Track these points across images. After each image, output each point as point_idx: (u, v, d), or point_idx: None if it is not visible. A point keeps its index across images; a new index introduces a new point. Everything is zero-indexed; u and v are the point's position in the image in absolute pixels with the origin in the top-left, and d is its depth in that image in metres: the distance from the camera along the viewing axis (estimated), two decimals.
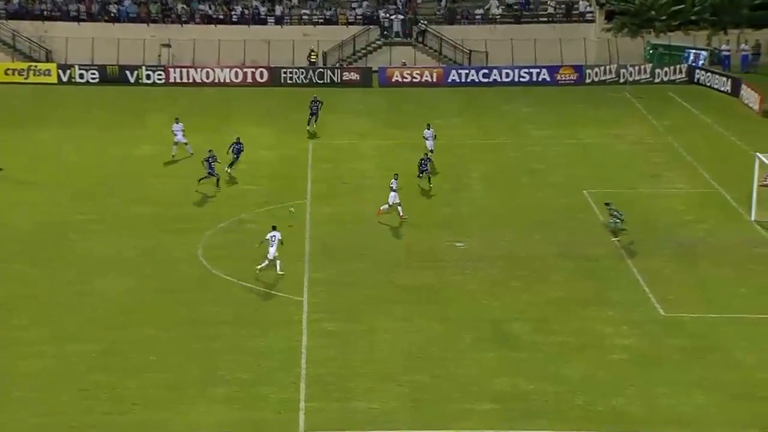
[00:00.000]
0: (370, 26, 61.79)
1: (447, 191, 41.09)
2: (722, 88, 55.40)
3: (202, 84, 58.08)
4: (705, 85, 56.64)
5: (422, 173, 40.24)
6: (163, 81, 58.33)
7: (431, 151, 42.54)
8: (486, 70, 58.48)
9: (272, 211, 39.50)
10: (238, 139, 42.73)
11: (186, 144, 45.16)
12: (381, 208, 37.65)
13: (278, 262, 32.77)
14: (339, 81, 58.31)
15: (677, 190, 41.32)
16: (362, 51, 61.27)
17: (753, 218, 37.84)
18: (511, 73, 58.18)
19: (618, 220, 35.29)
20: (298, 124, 50.59)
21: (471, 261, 34.53)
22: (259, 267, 32.63)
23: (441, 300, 31.62)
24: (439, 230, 37.12)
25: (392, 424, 25.13)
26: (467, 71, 58.60)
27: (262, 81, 58.25)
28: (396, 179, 37.85)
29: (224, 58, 59.91)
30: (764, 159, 37.80)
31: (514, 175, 43.02)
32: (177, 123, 45.32)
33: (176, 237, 36.54)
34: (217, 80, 58.24)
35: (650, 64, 58.69)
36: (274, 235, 32.78)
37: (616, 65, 58.48)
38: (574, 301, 31.49)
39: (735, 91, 54.34)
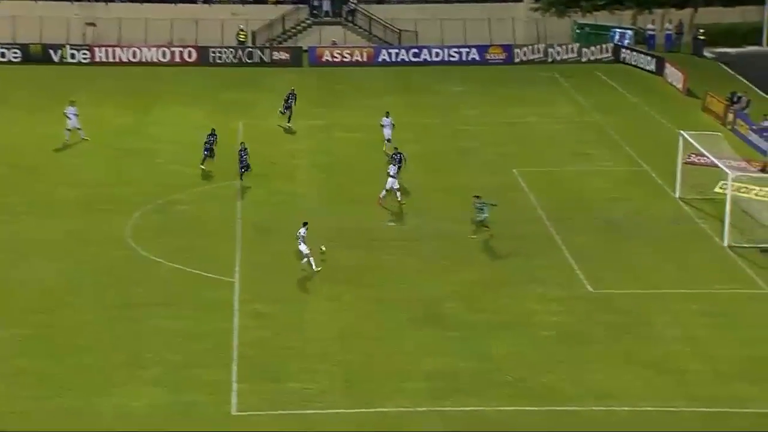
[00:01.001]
0: (300, 5, 61.31)
1: (378, 170, 41.01)
2: (647, 67, 56.19)
3: (129, 63, 57.12)
4: (630, 64, 57.37)
5: (398, 170, 37.29)
6: (88, 60, 57.23)
7: (389, 140, 41.93)
8: (416, 50, 58.51)
9: (204, 192, 39.10)
10: (213, 131, 40.68)
11: (79, 129, 43.78)
12: (380, 195, 36.60)
13: (311, 258, 31.55)
14: (269, 61, 57.83)
15: (604, 168, 41.86)
16: (292, 30, 60.83)
17: (677, 195, 38.54)
18: (440, 52, 58.29)
19: (483, 214, 33.88)
20: (228, 104, 50.10)
21: (402, 240, 34.60)
22: (303, 264, 31.63)
23: (373, 280, 31.65)
24: (370, 209, 37.11)
25: (325, 404, 25.13)
26: (397, 51, 58.57)
27: (190, 60, 57.50)
28: (393, 164, 37.02)
29: (151, 37, 58.97)
30: (688, 137, 38.48)
31: (445, 154, 43.17)
32: (71, 106, 44.01)
33: (104, 219, 35.97)
34: (144, 60, 57.31)
35: (577, 44, 59.27)
36: (300, 232, 31.62)
37: (544, 45, 58.95)
38: (505, 279, 31.76)
39: (659, 70, 55.16)
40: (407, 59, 58.10)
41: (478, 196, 34.41)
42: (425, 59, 58.11)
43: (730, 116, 46.35)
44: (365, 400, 25.35)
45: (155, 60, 57.28)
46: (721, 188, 37.42)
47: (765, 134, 43.28)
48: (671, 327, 29.09)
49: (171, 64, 57.29)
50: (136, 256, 33.06)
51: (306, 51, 58.49)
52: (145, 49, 57.54)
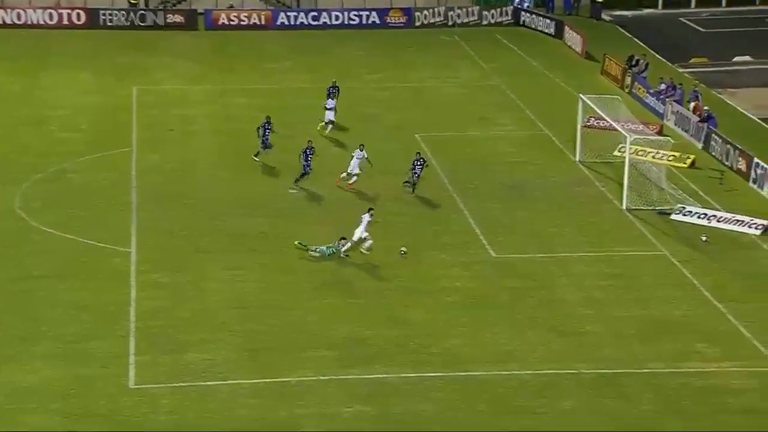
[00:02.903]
0: None
1: (279, 136, 40.71)
2: (547, 31, 56.84)
3: (14, 26, 55.18)
4: (530, 28, 57.94)
5: (417, 177, 35.13)
6: None
7: (331, 121, 40.67)
8: (315, 13, 58.01)
9: (96, 160, 38.28)
10: (268, 118, 37.36)
11: None
12: (341, 176, 35.36)
13: (347, 245, 30.51)
14: (163, 24, 56.62)
15: (506, 132, 42.34)
16: None
17: (577, 158, 39.22)
18: (340, 15, 57.93)
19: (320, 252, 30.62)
20: (121, 68, 48.99)
21: (306, 208, 34.48)
22: (343, 249, 30.54)
23: (276, 248, 31.49)
24: (272, 177, 36.85)
25: (226, 375, 25.01)
26: (296, 14, 57.97)
27: (79, 23, 55.89)
28: (362, 149, 35.58)
29: None
30: (587, 100, 39.12)
31: (347, 119, 42.98)
32: None
33: None
34: (29, 22, 55.46)
35: (477, 7, 59.58)
36: (363, 217, 30.69)
37: (444, 8, 59.11)
38: (409, 245, 31.89)
39: (559, 34, 55.88)
40: (306, 22, 57.59)
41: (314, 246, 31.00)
42: (325, 23, 57.67)
43: (628, 79, 47.27)
44: (267, 370, 25.29)
45: (42, 22, 55.51)
46: (619, 151, 38.23)
47: (662, 97, 44.30)
48: (572, 290, 29.72)
49: (59, 26, 55.59)
50: (26, 227, 32.22)
51: (202, 14, 57.42)
52: (30, 11, 55.68)
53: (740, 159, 38.05)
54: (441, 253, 31.52)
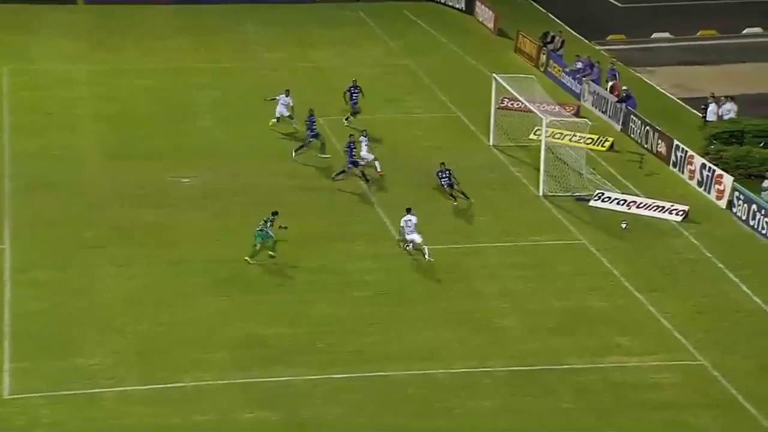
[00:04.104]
0: None
1: (171, 120, 40.09)
2: (457, 6, 57.00)
3: None
4: (439, 2, 58.02)
5: (450, 187, 34.12)
6: None
7: (278, 118, 39.33)
8: None
9: None
10: (311, 111, 37.11)
11: None
12: (376, 168, 35.13)
13: (425, 247, 30.11)
14: None
15: (416, 115, 42.29)
16: None
17: (491, 142, 39.35)
18: None
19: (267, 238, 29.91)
20: None
21: (201, 198, 33.92)
22: (426, 256, 30.03)
23: (166, 241, 30.91)
24: (161, 164, 36.15)
25: (115, 381, 24.50)
26: None
27: None
28: (365, 136, 35.69)
29: None
30: (501, 80, 39.23)
31: (244, 101, 42.46)
32: None
33: None
34: None
35: None
36: (410, 219, 30.11)
37: None
38: (315, 236, 31.60)
39: (469, 9, 56.07)
40: None
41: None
42: None
43: (543, 57, 47.62)
44: (160, 374, 24.82)
45: None
46: (535, 134, 38.47)
47: (578, 76, 44.69)
48: (487, 282, 29.77)
49: None
50: None
51: None
52: None
53: (660, 141, 38.63)
54: (349, 244, 31.28)
